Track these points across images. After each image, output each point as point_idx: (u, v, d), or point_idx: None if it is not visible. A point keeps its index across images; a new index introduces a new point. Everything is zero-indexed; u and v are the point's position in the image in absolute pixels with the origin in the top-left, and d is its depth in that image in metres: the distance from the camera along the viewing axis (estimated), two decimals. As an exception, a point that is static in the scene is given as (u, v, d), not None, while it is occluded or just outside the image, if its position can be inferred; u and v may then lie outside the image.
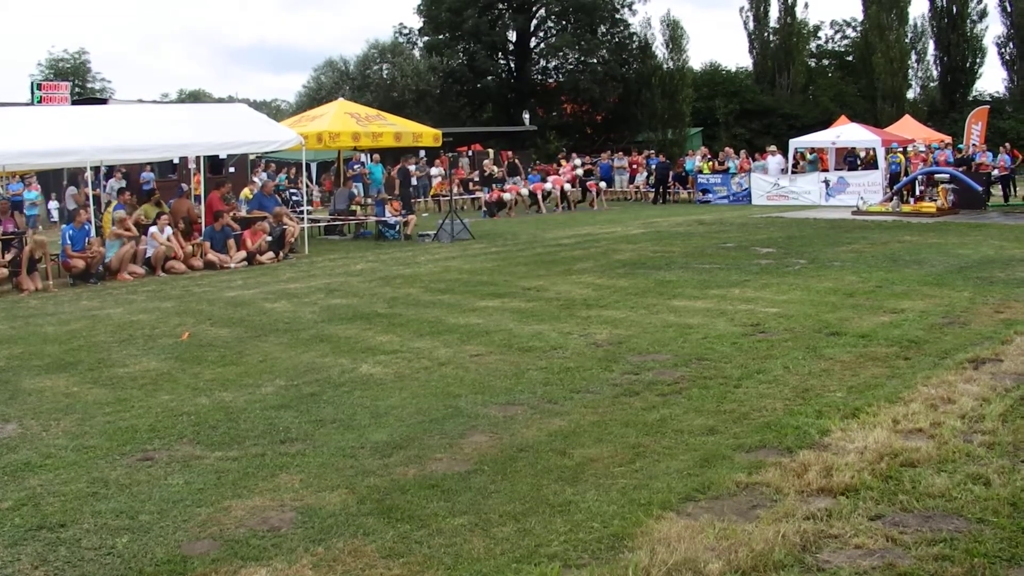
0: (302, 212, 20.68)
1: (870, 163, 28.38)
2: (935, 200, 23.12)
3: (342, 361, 8.22)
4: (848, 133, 29.04)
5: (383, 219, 20.87)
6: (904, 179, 25.56)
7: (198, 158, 17.79)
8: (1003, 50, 46.46)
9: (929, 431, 5.64)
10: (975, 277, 11.92)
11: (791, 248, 16.01)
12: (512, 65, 48.83)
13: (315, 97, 42.18)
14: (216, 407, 6.84)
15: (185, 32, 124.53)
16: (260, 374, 7.87)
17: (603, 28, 47.59)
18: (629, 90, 46.15)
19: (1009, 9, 45.17)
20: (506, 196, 27.45)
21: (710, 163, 31.77)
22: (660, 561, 4.00)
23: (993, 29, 76.73)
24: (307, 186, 28.31)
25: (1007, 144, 28.44)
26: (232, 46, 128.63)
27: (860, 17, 51.47)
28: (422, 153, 30.74)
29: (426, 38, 48.25)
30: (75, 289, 13.85)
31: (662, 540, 4.22)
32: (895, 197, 23.91)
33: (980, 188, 23.77)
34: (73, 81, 41.42)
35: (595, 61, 46.71)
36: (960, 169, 25.14)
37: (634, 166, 34.53)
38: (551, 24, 48.84)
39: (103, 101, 35.75)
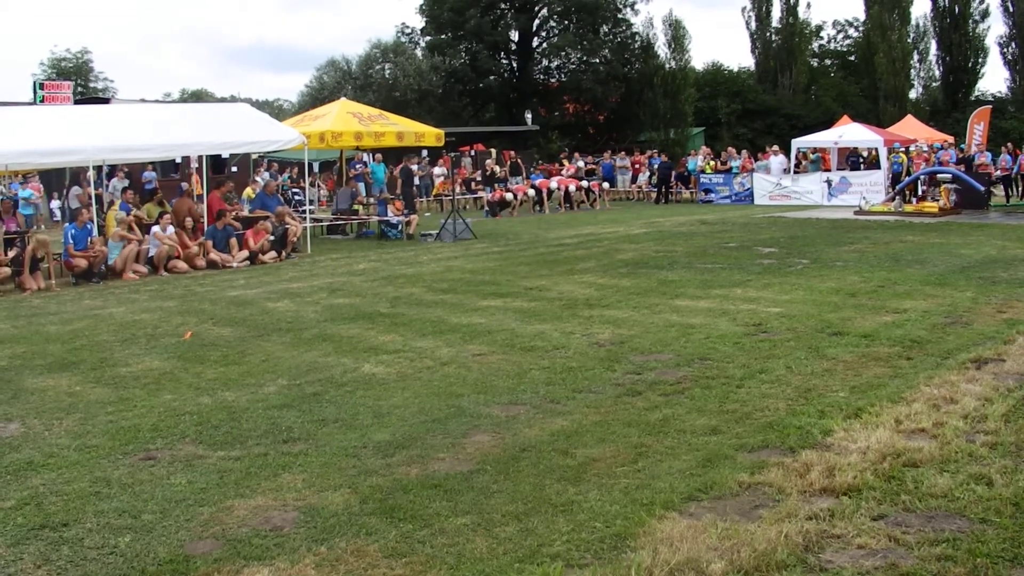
0: (304, 211, 20.69)
1: (872, 163, 28.37)
2: (937, 200, 23.11)
3: (344, 361, 8.23)
4: (850, 133, 29.02)
5: (385, 219, 20.87)
6: (906, 179, 25.54)
7: (200, 158, 17.79)
8: (1005, 50, 46.36)
9: (932, 431, 5.64)
10: (978, 277, 11.91)
11: (793, 248, 16.00)
12: (514, 65, 48.81)
13: (317, 97, 42.16)
14: (218, 407, 6.85)
15: (185, 32, 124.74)
16: (262, 373, 7.87)
17: (605, 28, 47.53)
18: (631, 90, 46.12)
19: (1011, 9, 45.05)
20: (508, 196, 27.47)
21: (713, 163, 31.74)
22: (663, 561, 4.00)
23: (995, 29, 76.67)
24: (318, 185, 28.38)
25: (1009, 144, 28.39)
26: (232, 46, 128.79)
27: (862, 17, 51.46)
28: (424, 153, 30.74)
29: (428, 38, 48.24)
30: (77, 288, 13.86)
31: (665, 540, 4.22)
32: (897, 197, 23.90)
33: (982, 188, 23.75)
34: (76, 81, 41.46)
35: (597, 61, 46.68)
36: (961, 169, 25.12)
37: (636, 166, 34.52)
38: (553, 24, 48.81)
39: (105, 101, 35.74)
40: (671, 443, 5.65)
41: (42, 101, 30.06)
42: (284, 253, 17.06)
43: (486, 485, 5.07)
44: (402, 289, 12.58)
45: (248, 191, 22.38)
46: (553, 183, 28.65)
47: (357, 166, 27.62)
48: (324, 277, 14.24)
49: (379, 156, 29.00)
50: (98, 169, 17.64)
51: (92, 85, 47.25)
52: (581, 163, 31.78)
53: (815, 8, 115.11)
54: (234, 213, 18.06)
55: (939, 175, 24.29)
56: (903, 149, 28.21)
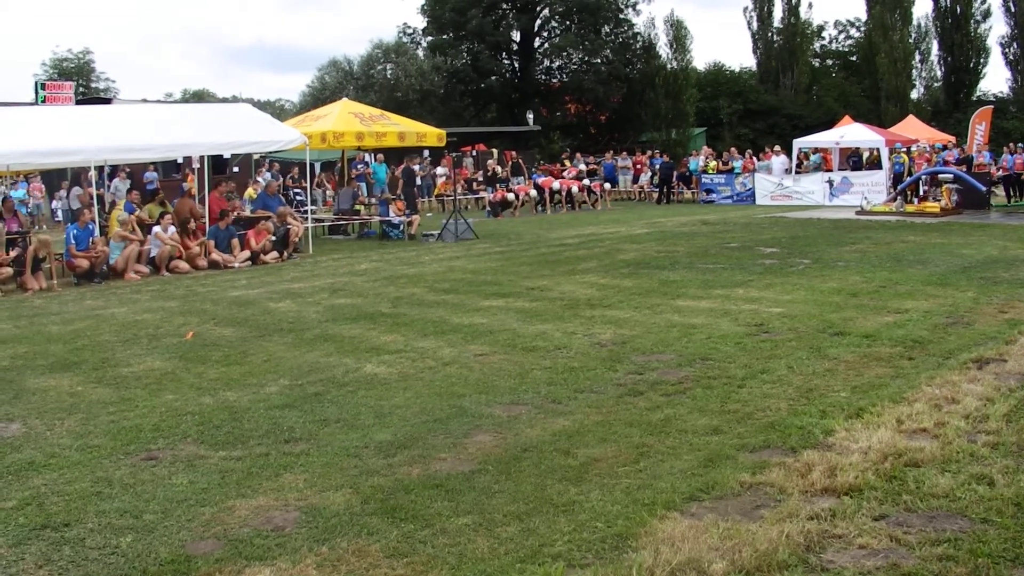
0: (306, 212, 20.70)
1: (874, 163, 28.36)
2: (939, 200, 23.10)
3: (346, 361, 8.23)
4: (852, 133, 29.01)
5: (387, 219, 20.88)
6: (908, 179, 25.53)
7: (202, 158, 17.80)
8: (1007, 50, 46.28)
9: (933, 431, 5.64)
10: (979, 277, 11.90)
11: (795, 248, 16.00)
12: (516, 65, 48.79)
13: (319, 97, 42.17)
14: (220, 407, 6.85)
15: (186, 32, 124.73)
16: (264, 374, 7.87)
17: (607, 28, 47.53)
18: (633, 90, 46.10)
19: (1013, 9, 44.98)
20: (510, 196, 27.47)
21: (715, 163, 31.72)
22: (664, 561, 4.00)
23: (997, 29, 76.34)
24: (322, 185, 28.38)
25: (1011, 144, 28.37)
26: (233, 46, 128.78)
27: (864, 17, 51.44)
28: (426, 153, 30.74)
29: (430, 38, 48.23)
30: (79, 289, 13.87)
31: (666, 540, 4.22)
32: (899, 197, 23.90)
33: (984, 188, 23.74)
34: (77, 81, 41.44)
35: (599, 61, 46.66)
36: (961, 169, 25.11)
37: (638, 166, 34.51)
38: (555, 24, 48.77)
39: (107, 101, 35.76)
40: (673, 443, 5.65)
41: (44, 101, 30.05)
42: (286, 253, 17.07)
43: (488, 485, 5.07)
44: (404, 289, 12.58)
45: (250, 191, 22.39)
46: (556, 184, 28.65)
47: (359, 166, 27.63)
48: (326, 277, 14.24)
49: (381, 156, 29.02)
50: (99, 169, 17.63)
51: (94, 85, 47.27)
52: (582, 166, 31.74)
53: (817, 8, 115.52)
54: (236, 213, 18.07)
55: (940, 175, 24.30)
56: (905, 149, 28.19)
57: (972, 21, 46.50)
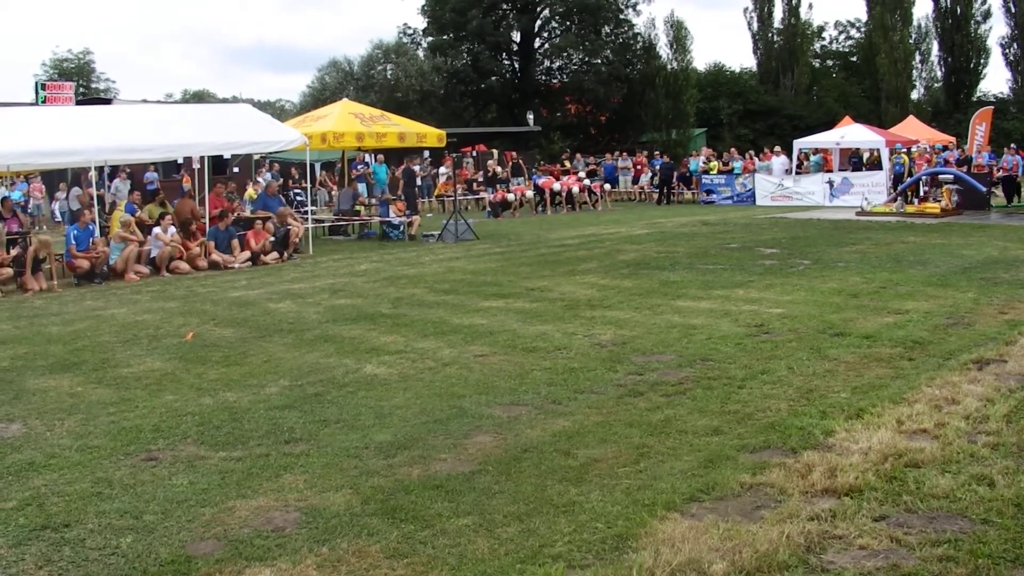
0: (306, 212, 20.70)
1: (874, 164, 28.35)
2: (939, 201, 23.10)
3: (346, 361, 8.23)
4: (852, 134, 29.01)
5: (387, 219, 20.88)
6: (908, 180, 25.53)
7: (202, 158, 17.81)
8: (1007, 51, 46.29)
9: (933, 432, 5.64)
10: (979, 278, 11.90)
11: (795, 249, 16.00)
12: (516, 66, 48.80)
13: (319, 97, 42.18)
14: (220, 407, 6.85)
15: (186, 32, 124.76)
16: (264, 374, 7.87)
17: (607, 29, 47.55)
18: (633, 91, 46.11)
19: (1013, 10, 44.99)
20: (510, 196, 27.48)
21: (717, 163, 31.70)
22: (664, 562, 4.00)
23: (997, 30, 76.28)
24: (325, 184, 28.38)
25: (1012, 145, 28.35)
26: (233, 46, 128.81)
27: (864, 18, 51.47)
28: (426, 153, 30.74)
29: (430, 38, 48.24)
30: (79, 289, 13.87)
31: (666, 541, 4.22)
32: (899, 198, 23.90)
33: (984, 189, 23.74)
34: (77, 81, 41.46)
35: (599, 62, 46.67)
36: (962, 170, 25.11)
37: (638, 166, 34.51)
38: (555, 25, 48.79)
39: (107, 101, 35.77)
40: (673, 444, 5.65)
41: (44, 102, 30.06)
42: (286, 254, 17.07)
43: (488, 486, 5.07)
44: (404, 290, 12.58)
45: (250, 191, 22.40)
46: (556, 185, 28.65)
47: (359, 167, 27.63)
48: (326, 278, 14.24)
49: (381, 157, 29.03)
50: (99, 170, 17.64)
51: (94, 86, 47.32)
52: (583, 172, 31.74)
53: (817, 9, 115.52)
54: (236, 213, 18.08)
55: (941, 176, 24.29)
56: (905, 150, 28.18)
57: (972, 22, 46.53)
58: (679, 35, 44.53)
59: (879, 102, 45.67)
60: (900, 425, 5.77)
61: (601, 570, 4.01)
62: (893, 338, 8.38)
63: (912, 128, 35.16)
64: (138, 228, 15.81)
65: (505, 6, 46.86)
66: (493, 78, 47.27)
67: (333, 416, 6.52)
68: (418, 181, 27.67)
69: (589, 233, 20.38)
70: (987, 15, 46.52)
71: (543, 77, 49.20)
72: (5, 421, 6.68)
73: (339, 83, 44.41)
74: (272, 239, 16.97)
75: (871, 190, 26.20)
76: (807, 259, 14.42)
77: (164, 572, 4.18)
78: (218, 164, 23.16)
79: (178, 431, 6.28)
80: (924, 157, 28.14)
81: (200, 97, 63.64)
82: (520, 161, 33.30)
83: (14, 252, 14.27)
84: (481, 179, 31.80)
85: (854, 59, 55.32)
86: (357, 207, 22.59)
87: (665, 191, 31.60)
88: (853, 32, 57.43)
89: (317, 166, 30.36)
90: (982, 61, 47.33)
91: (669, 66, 44.38)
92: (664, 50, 45.04)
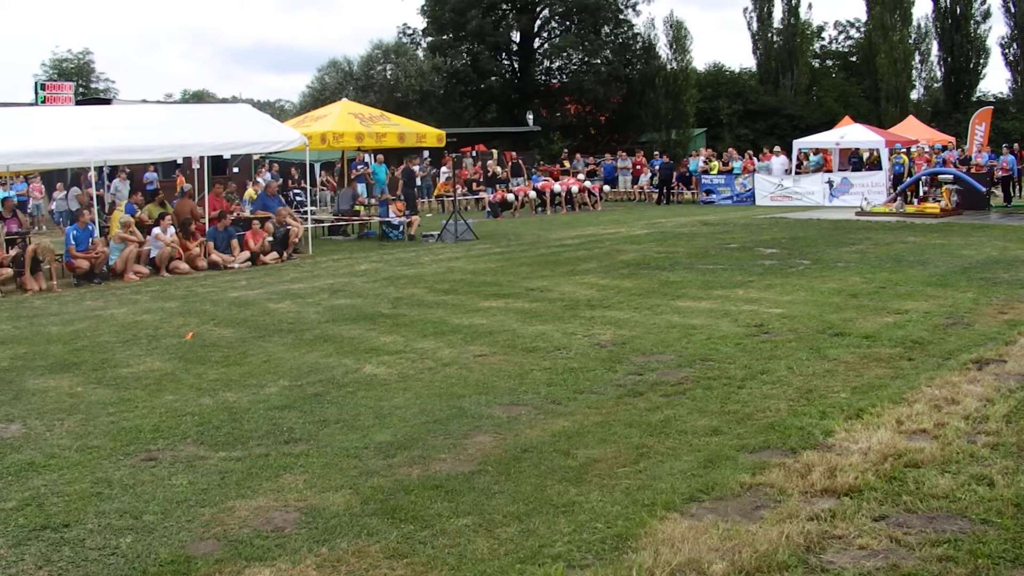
0: (306, 212, 20.70)
1: (874, 164, 28.35)
2: (939, 201, 23.11)
3: (346, 361, 8.23)
4: (852, 134, 29.02)
5: (387, 219, 20.88)
6: (908, 180, 25.53)
7: (201, 158, 17.81)
8: (1007, 51, 46.27)
9: (933, 432, 5.64)
10: (979, 278, 11.90)
11: (795, 249, 16.00)
12: (516, 66, 48.77)
13: (319, 97, 42.16)
14: (220, 407, 6.85)
15: (186, 33, 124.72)
16: (264, 374, 7.87)
17: (607, 29, 47.51)
18: (633, 91, 46.07)
19: (1013, 10, 44.98)
20: (510, 197, 27.48)
21: (717, 163, 31.69)
22: (664, 562, 4.00)
23: (997, 30, 76.57)
24: (327, 184, 28.37)
25: (1015, 145, 28.32)
26: (233, 46, 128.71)
27: (864, 18, 51.40)
28: (426, 154, 30.74)
29: (430, 38, 48.21)
30: (79, 289, 13.87)
31: (666, 541, 4.22)
32: (899, 198, 23.90)
33: (984, 189, 23.75)
34: (77, 81, 41.47)
35: (599, 62, 46.64)
36: (962, 170, 25.11)
37: (638, 167, 34.51)
38: (555, 25, 48.76)
39: (107, 101, 35.78)
40: (672, 444, 5.65)
41: (43, 102, 30.09)
42: (285, 254, 17.07)
43: (487, 486, 5.07)
44: (403, 290, 12.58)
45: (250, 192, 22.40)
46: (557, 187, 28.66)
47: (359, 167, 27.63)
48: (325, 278, 14.24)
49: (380, 157, 29.03)
50: (99, 170, 17.64)
51: (93, 86, 47.30)
52: (583, 175, 31.75)
53: (816, 9, 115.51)
54: (235, 213, 18.08)
55: (940, 176, 24.29)
56: (904, 150, 28.17)
57: (972, 22, 46.51)
58: (679, 35, 44.49)
59: (879, 102, 45.65)
60: (900, 425, 5.77)
61: (601, 570, 4.01)
62: (893, 338, 8.38)
63: (912, 128, 35.16)
64: (138, 228, 15.81)
65: (505, 6, 46.84)
66: (493, 78, 47.25)
67: (333, 416, 6.52)
68: (418, 181, 27.66)
69: (589, 233, 20.39)
70: (987, 15, 46.53)
71: (543, 77, 49.17)
72: (5, 421, 6.68)
73: (339, 83, 44.38)
74: (271, 239, 16.97)
75: (871, 190, 26.20)
76: (807, 259, 14.42)
77: (164, 572, 4.18)
78: (218, 164, 23.17)
79: (178, 431, 6.28)
80: (924, 157, 28.14)
81: (200, 97, 63.63)
82: (520, 161, 33.30)
83: (13, 252, 14.27)
84: (481, 179, 31.79)
85: (854, 59, 55.29)
86: (357, 207, 22.59)
87: (665, 191, 31.60)
88: (853, 32, 57.43)
89: (317, 166, 30.36)
90: (982, 61, 47.33)
91: (669, 66, 44.33)
92: (664, 50, 45.02)
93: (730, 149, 34.24)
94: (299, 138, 18.50)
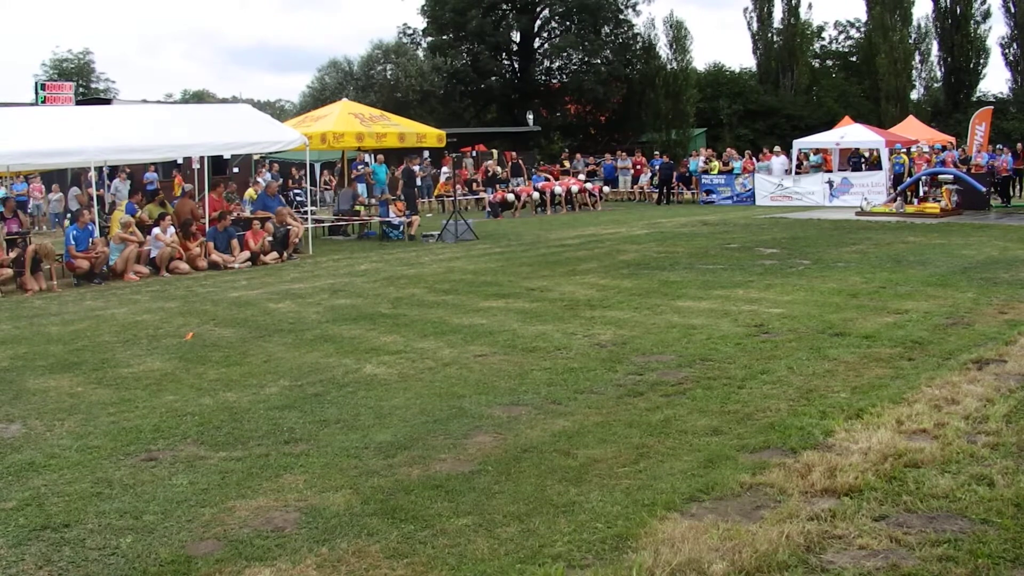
0: (306, 212, 20.70)
1: (874, 164, 28.35)
2: (939, 201, 23.10)
3: (346, 361, 8.23)
4: (852, 134, 29.01)
5: (387, 219, 20.88)
6: (908, 180, 25.53)
7: (202, 158, 17.82)
8: (1007, 51, 46.25)
9: (933, 432, 5.64)
10: (979, 278, 11.90)
11: (795, 249, 16.00)
12: (516, 66, 48.77)
13: (319, 97, 42.17)
14: (220, 407, 6.85)
15: (186, 33, 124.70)
16: (264, 374, 7.87)
17: (607, 29, 47.50)
18: (633, 91, 46.07)
19: (1013, 10, 44.97)
20: (510, 196, 27.48)
21: (717, 164, 31.68)
22: (664, 562, 4.00)
23: (997, 30, 76.58)
24: (329, 184, 28.38)
25: (1019, 145, 28.28)
26: (233, 46, 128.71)
27: (864, 18, 51.42)
28: (426, 154, 30.74)
29: (430, 38, 48.21)
30: (79, 289, 13.88)
31: (666, 541, 4.22)
32: (899, 198, 23.90)
33: (984, 189, 23.75)
34: (77, 81, 41.45)
35: (599, 62, 46.62)
36: (962, 170, 25.10)
37: (638, 167, 34.52)
38: (555, 25, 48.74)
39: (107, 101, 35.78)
40: (672, 444, 5.65)
41: (44, 102, 30.08)
42: (286, 254, 17.07)
43: (487, 486, 5.07)
44: (404, 290, 12.58)
45: (250, 192, 22.40)
46: (558, 188, 28.66)
47: (359, 167, 27.64)
48: (326, 278, 14.24)
49: (381, 157, 29.03)
50: (99, 170, 17.65)
51: (94, 86, 47.28)
52: (583, 176, 31.75)
53: (816, 9, 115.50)
54: (235, 213, 18.08)
55: (940, 176, 24.29)
56: (904, 150, 28.16)
57: (972, 22, 46.48)
58: (679, 35, 44.48)
59: (879, 102, 45.64)
60: (900, 425, 5.77)
61: (601, 570, 4.01)
62: (893, 338, 8.38)
63: (912, 128, 35.15)
64: (138, 228, 15.81)
65: (505, 6, 46.83)
66: (493, 78, 47.23)
67: (333, 416, 6.52)
68: (418, 181, 27.66)
69: (589, 233, 20.39)
70: (987, 15, 46.50)
71: (543, 77, 49.16)
72: (5, 421, 6.68)
73: (339, 83, 44.40)
74: (271, 239, 16.97)
75: (871, 190, 26.20)
76: (807, 259, 14.43)
77: (164, 572, 4.18)
78: (218, 164, 23.17)
79: (178, 431, 6.28)
80: (923, 157, 28.12)
81: (200, 97, 63.64)
82: (520, 161, 33.29)
83: (13, 253, 14.27)
84: (481, 179, 31.79)
85: (854, 59, 55.26)
86: (357, 207, 22.59)
87: (665, 191, 31.60)
88: (853, 32, 57.40)
89: (317, 166, 30.36)
90: (982, 61, 47.30)
91: (669, 66, 44.33)
92: (664, 50, 45.01)
93: (730, 149, 34.22)
94: (299, 138, 18.51)
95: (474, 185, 31.61)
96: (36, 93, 31.64)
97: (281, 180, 26.27)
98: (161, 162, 23.19)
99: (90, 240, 14.77)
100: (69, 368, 8.33)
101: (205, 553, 4.35)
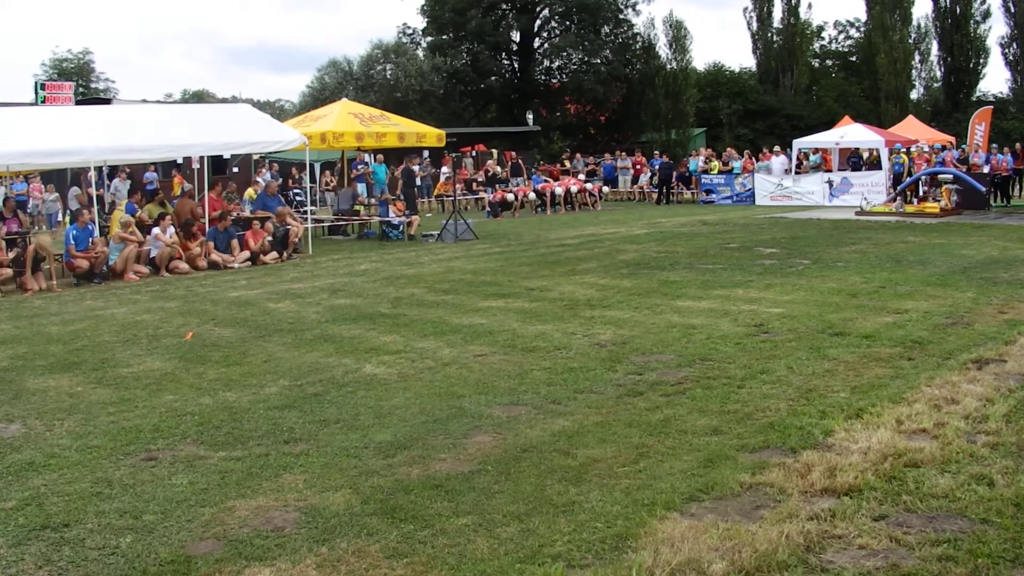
0: (306, 212, 20.70)
1: (874, 163, 28.34)
2: (939, 201, 23.11)
3: (346, 361, 8.23)
4: (852, 133, 29.01)
5: (387, 219, 20.88)
6: (908, 180, 25.52)
7: (201, 158, 17.82)
8: (1007, 51, 46.22)
9: (933, 431, 5.64)
10: (979, 278, 11.90)
11: (795, 248, 16.00)
12: (516, 65, 48.75)
13: (319, 97, 42.18)
14: (220, 407, 6.85)
15: (186, 33, 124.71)
16: (264, 374, 7.87)
17: (606, 28, 47.48)
18: (633, 90, 46.05)
19: (1013, 10, 44.94)
20: (510, 196, 27.48)
21: (717, 163, 31.68)
22: (664, 561, 4.00)
23: (996, 30, 76.64)
24: (329, 183, 28.36)
25: (1017, 145, 28.27)
26: (233, 46, 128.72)
27: (864, 18, 51.37)
28: (425, 153, 30.74)
29: (429, 38, 48.19)
30: (79, 289, 13.87)
31: (666, 540, 4.22)
32: (899, 198, 23.90)
33: (984, 189, 23.75)
34: (77, 81, 41.45)
35: (598, 61, 46.60)
36: (961, 169, 25.09)
37: (637, 166, 34.52)
38: (554, 24, 48.73)
39: (107, 101, 35.76)
40: (672, 443, 5.65)
41: (43, 102, 30.06)
42: (285, 254, 17.07)
43: (487, 485, 5.07)
44: (403, 290, 12.58)
45: (250, 192, 22.40)
46: (559, 189, 28.65)
47: (359, 167, 27.63)
48: (325, 278, 14.24)
49: (380, 157, 29.03)
50: (99, 170, 17.64)
51: (93, 86, 47.27)
52: (583, 175, 31.74)
53: (816, 9, 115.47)
54: (235, 213, 18.08)
55: (940, 176, 24.29)
56: (904, 150, 28.15)
57: (972, 21, 46.45)
58: (678, 35, 44.45)
59: (878, 102, 45.62)
60: (899, 425, 5.77)
61: (601, 570, 4.01)
62: (892, 338, 8.38)
63: (911, 128, 35.14)
64: (138, 228, 15.81)
65: (505, 6, 46.81)
66: (492, 78, 47.22)
67: (333, 416, 6.52)
68: (417, 181, 27.65)
69: (589, 233, 20.39)
70: (986, 15, 46.47)
71: (543, 77, 49.14)
72: (5, 421, 6.68)
73: (339, 83, 44.41)
74: (271, 239, 16.97)
75: (870, 190, 26.20)
76: (807, 259, 14.43)
77: (164, 572, 4.18)
78: (218, 164, 23.16)
79: (178, 431, 6.28)
80: (923, 157, 28.11)
81: (200, 97, 63.62)
82: (520, 161, 33.28)
83: (13, 253, 14.27)
84: (481, 179, 31.79)
85: (853, 59, 55.24)
86: (357, 207, 22.59)
87: (665, 191, 31.60)
88: (852, 32, 57.37)
89: (317, 166, 30.34)
90: (981, 61, 47.27)
91: (668, 66, 44.29)
92: (663, 50, 44.97)
93: (729, 149, 34.21)
94: (299, 138, 18.50)
95: (474, 185, 31.60)
96: (36, 93, 31.64)
97: (281, 180, 26.25)
98: (161, 162, 23.17)
99: (90, 240, 14.77)
100: (69, 368, 8.33)
101: (205, 553, 4.35)
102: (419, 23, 50.84)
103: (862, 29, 53.84)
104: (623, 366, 7.72)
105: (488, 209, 27.55)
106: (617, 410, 6.44)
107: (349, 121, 21.65)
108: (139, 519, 4.76)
